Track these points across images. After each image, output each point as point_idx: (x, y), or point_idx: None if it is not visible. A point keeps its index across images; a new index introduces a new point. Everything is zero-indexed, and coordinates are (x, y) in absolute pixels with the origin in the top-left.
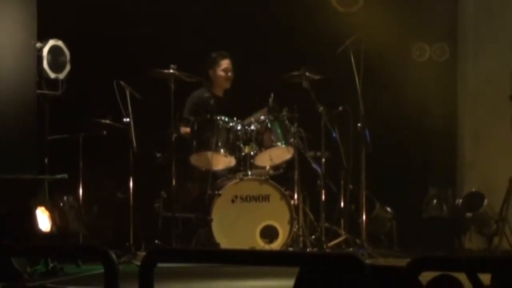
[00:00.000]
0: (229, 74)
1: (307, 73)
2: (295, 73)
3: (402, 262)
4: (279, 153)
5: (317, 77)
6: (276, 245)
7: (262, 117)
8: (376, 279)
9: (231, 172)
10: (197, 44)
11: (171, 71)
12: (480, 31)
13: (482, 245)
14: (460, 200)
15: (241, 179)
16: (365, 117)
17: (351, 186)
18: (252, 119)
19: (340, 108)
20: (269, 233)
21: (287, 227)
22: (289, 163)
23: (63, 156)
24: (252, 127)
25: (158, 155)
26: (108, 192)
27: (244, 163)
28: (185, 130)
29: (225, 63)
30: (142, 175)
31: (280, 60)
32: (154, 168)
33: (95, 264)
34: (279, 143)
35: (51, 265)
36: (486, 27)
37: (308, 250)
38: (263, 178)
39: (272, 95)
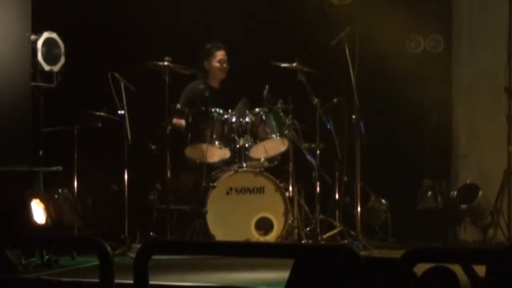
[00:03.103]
0: (224, 65)
1: (301, 65)
2: (290, 65)
3: (397, 253)
4: (274, 145)
5: (311, 69)
6: (271, 237)
7: (257, 109)
8: (370, 271)
9: (225, 164)
10: (192, 36)
11: (166, 63)
12: (475, 22)
13: (477, 236)
14: (455, 192)
15: (236, 171)
16: (359, 109)
17: (346, 178)
18: (235, 112)
19: (335, 100)
20: (264, 225)
21: (282, 219)
22: (284, 155)
23: (58, 149)
24: (247, 119)
25: (152, 147)
26: (103, 184)
27: (239, 155)
28: (178, 122)
29: (220, 54)
30: (137, 167)
31: (275, 52)
32: (149, 160)
33: (90, 256)
34: (273, 135)
35: (46, 257)
36: (480, 18)
37: (303, 242)
38: (258, 170)
39: (266, 87)
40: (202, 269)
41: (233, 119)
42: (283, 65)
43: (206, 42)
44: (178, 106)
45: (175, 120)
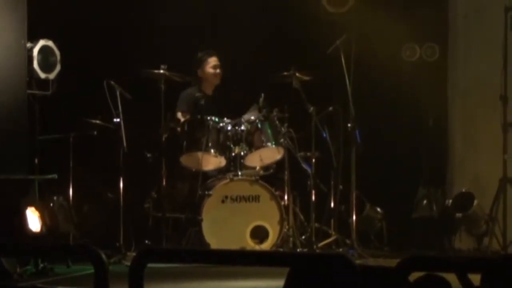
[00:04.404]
0: (218, 70)
1: (297, 73)
2: (286, 73)
3: (392, 262)
4: (269, 154)
5: (307, 77)
6: (266, 245)
7: (252, 117)
8: (366, 280)
9: (221, 172)
10: (188, 44)
11: (162, 71)
12: (470, 31)
13: (472, 245)
14: (450, 201)
15: (231, 180)
16: (355, 117)
17: (341, 187)
18: (244, 118)
19: (330, 108)
20: (259, 234)
21: (277, 228)
22: (279, 164)
23: (53, 156)
24: (242, 128)
25: (148, 155)
26: (98, 192)
27: (234, 164)
28: (184, 116)
29: (212, 60)
30: (132, 175)
31: (271, 60)
32: (144, 168)
33: (85, 264)
34: (269, 144)
35: (41, 265)
36: (476, 27)
37: (298, 250)
38: (253, 178)
39: (262, 95)
40: (197, 278)
41: (229, 127)
42: (283, 73)
43: (200, 50)
44: (179, 114)
45: (179, 115)
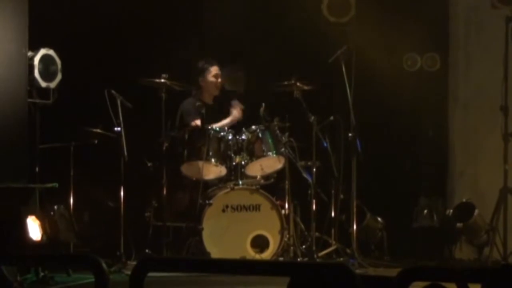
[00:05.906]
0: (219, 80)
1: (298, 83)
2: (287, 82)
3: (393, 272)
4: (270, 163)
5: (308, 86)
6: (267, 254)
7: (253, 127)
8: None
9: (222, 181)
10: (188, 53)
11: (162, 80)
12: (471, 41)
13: (473, 255)
14: (451, 210)
15: (232, 189)
16: (356, 126)
17: (342, 196)
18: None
19: (331, 117)
20: (259, 243)
21: (278, 237)
22: (280, 173)
23: (54, 165)
24: (243, 137)
25: (149, 164)
26: (99, 201)
27: (235, 173)
28: (196, 123)
29: (214, 69)
30: (133, 184)
31: (272, 69)
32: (145, 177)
33: (86, 273)
34: (270, 153)
35: (41, 274)
36: (476, 37)
37: (298, 259)
38: (254, 187)
39: (263, 104)
40: (197, 287)
41: (229, 137)
42: (284, 83)
43: (200, 60)
44: (197, 122)
45: (193, 123)
